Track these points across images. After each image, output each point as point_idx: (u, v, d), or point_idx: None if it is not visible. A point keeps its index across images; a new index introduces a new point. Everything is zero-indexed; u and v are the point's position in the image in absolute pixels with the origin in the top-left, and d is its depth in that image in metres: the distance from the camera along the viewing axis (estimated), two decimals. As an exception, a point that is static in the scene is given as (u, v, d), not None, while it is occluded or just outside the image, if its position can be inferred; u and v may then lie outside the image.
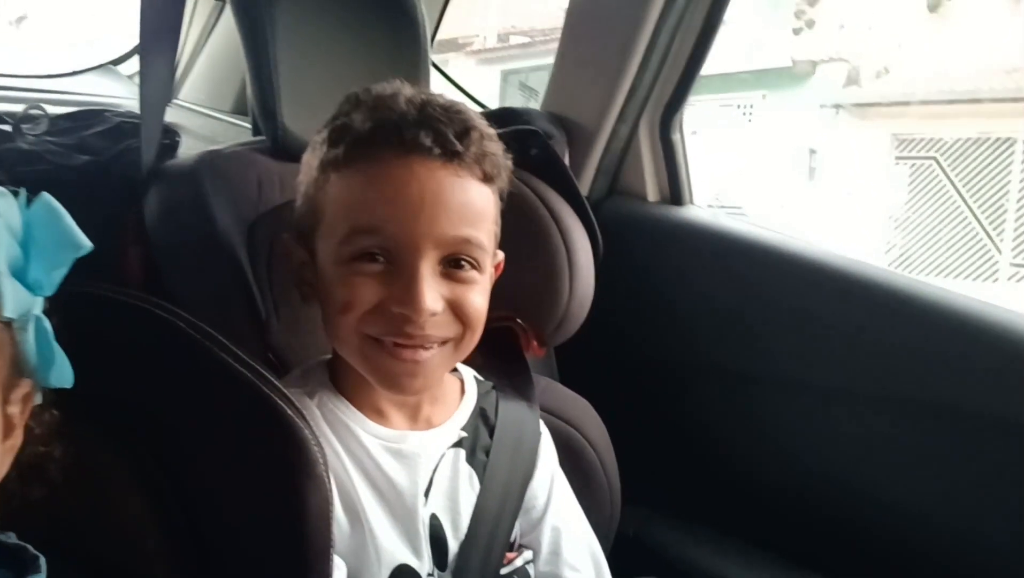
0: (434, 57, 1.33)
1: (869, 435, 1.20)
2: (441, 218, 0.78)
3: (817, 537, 1.24)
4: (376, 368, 0.81)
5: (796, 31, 4.75)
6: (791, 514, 1.27)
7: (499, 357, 1.06)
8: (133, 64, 1.85)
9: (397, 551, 0.82)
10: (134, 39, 1.75)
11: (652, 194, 1.44)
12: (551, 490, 0.97)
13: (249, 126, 1.58)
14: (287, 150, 0.99)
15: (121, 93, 1.68)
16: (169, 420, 0.70)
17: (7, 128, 0.95)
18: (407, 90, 0.82)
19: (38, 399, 0.61)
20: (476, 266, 0.82)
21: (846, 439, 1.23)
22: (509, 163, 0.86)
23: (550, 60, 1.46)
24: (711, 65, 1.37)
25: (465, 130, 0.80)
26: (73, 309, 0.69)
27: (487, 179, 0.82)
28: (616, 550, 1.06)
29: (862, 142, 4.60)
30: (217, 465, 0.68)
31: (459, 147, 0.79)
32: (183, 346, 0.70)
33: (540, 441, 0.98)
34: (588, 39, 1.38)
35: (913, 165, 4.59)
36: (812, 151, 4.76)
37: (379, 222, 0.78)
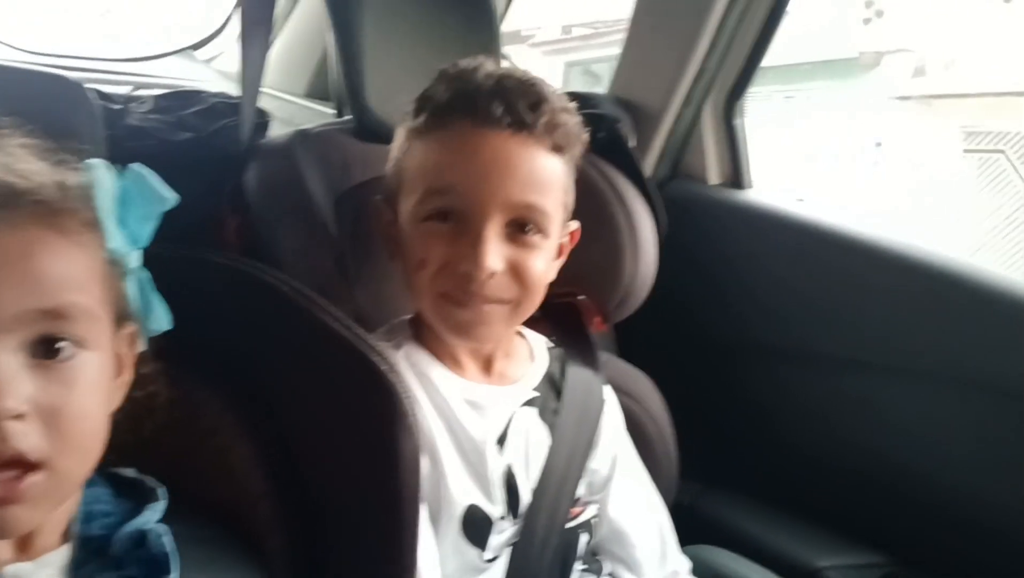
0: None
1: (925, 415, 1.23)
2: (508, 184, 0.84)
3: (869, 512, 1.27)
4: (445, 319, 0.88)
5: (866, 21, 4.65)
6: (843, 489, 1.30)
7: (565, 330, 1.11)
8: (205, 50, 1.93)
9: (468, 493, 0.88)
10: (209, 27, 1.85)
11: (714, 177, 1.47)
12: (616, 454, 1.03)
13: (323, 110, 1.66)
14: (371, 131, 1.06)
15: (199, 76, 1.76)
16: (272, 374, 0.76)
17: (117, 107, 1.03)
18: (488, 65, 0.88)
19: (143, 345, 0.67)
20: (540, 231, 0.87)
21: (902, 417, 1.25)
22: (585, 136, 0.91)
23: (613, 51, 1.50)
24: (775, 56, 1.39)
25: (537, 102, 0.85)
26: (181, 271, 0.77)
27: (556, 149, 0.87)
28: (673, 519, 1.10)
29: (929, 134, 4.50)
30: (317, 417, 0.74)
31: (529, 118, 0.84)
32: (284, 307, 0.76)
33: (605, 407, 1.03)
34: (656, 24, 1.41)
35: (981, 158, 4.47)
36: (877, 143, 4.66)
37: (450, 184, 0.85)
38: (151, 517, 0.63)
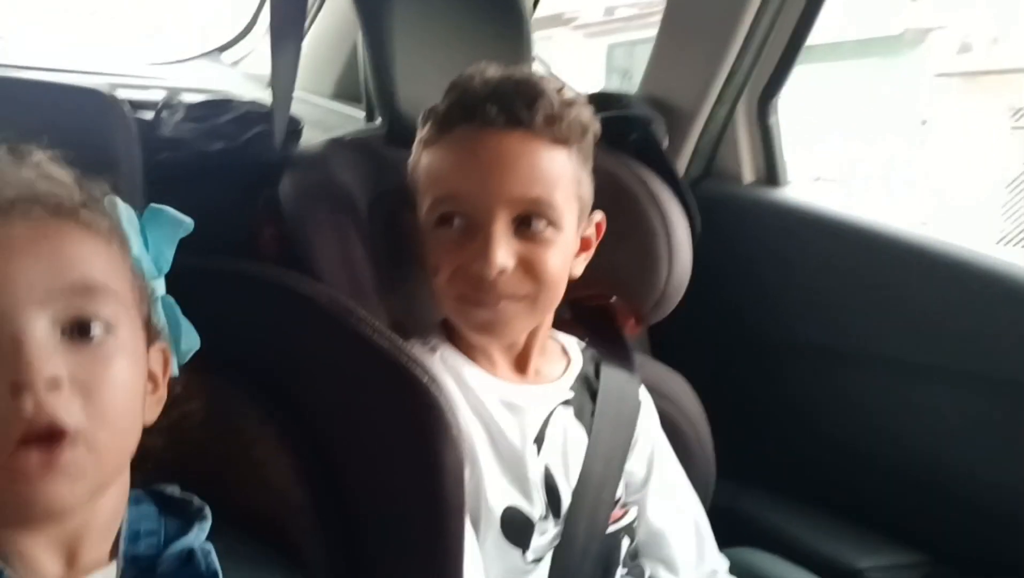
0: (539, 33, 1.37)
1: (964, 412, 1.21)
2: (509, 181, 0.85)
3: (910, 511, 1.26)
4: (466, 320, 0.91)
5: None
6: (883, 488, 1.29)
7: (599, 333, 1.11)
8: (232, 53, 1.93)
9: (506, 494, 0.89)
10: (235, 29, 1.86)
11: (748, 175, 1.46)
12: (653, 455, 1.03)
13: (352, 113, 1.66)
14: (402, 137, 1.05)
15: (228, 81, 1.77)
16: (311, 387, 0.76)
17: (150, 117, 1.03)
18: (490, 71, 0.89)
19: (175, 369, 0.68)
20: (551, 224, 0.87)
21: (938, 416, 1.24)
22: (596, 126, 0.92)
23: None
24: (817, 35, 1.36)
25: (533, 99, 0.86)
26: (217, 284, 0.77)
27: (559, 142, 0.88)
28: (711, 521, 1.10)
29: (975, 111, 4.41)
30: (358, 429, 0.74)
31: (525, 115, 0.86)
32: (322, 319, 0.77)
33: (641, 409, 1.03)
34: (688, 22, 1.40)
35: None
36: (923, 122, 4.58)
37: (454, 189, 0.87)
38: (198, 536, 0.64)
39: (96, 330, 0.56)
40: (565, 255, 0.91)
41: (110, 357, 0.57)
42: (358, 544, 0.73)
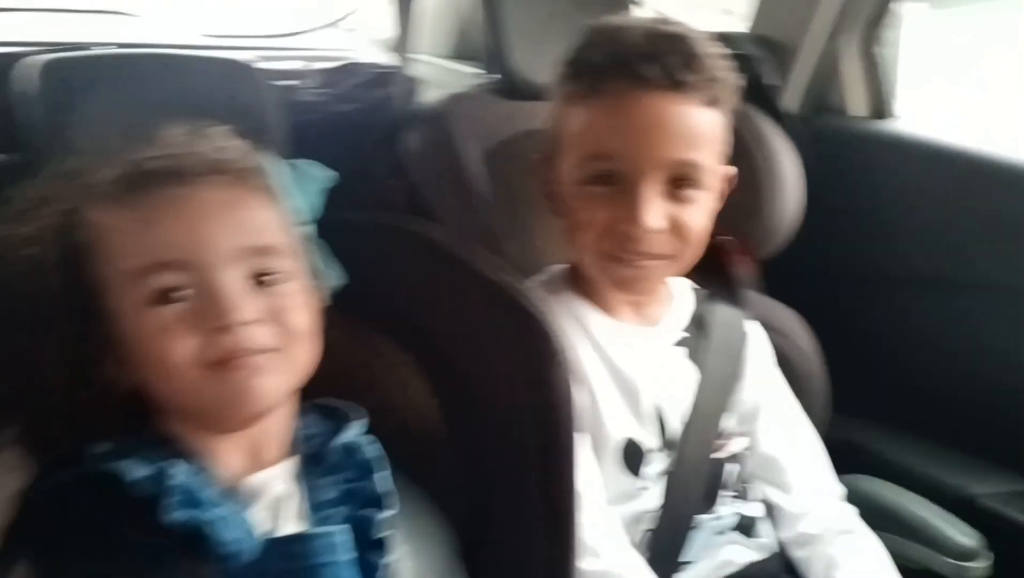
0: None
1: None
2: (666, 144, 0.86)
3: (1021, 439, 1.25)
4: (611, 275, 0.93)
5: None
6: (995, 417, 1.28)
7: (711, 271, 1.14)
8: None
9: (625, 426, 0.95)
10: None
11: (857, 109, 1.45)
12: (765, 387, 1.06)
13: (467, 70, 1.73)
14: (518, 90, 1.12)
15: (346, 45, 1.87)
16: (439, 320, 0.84)
17: (286, 84, 1.14)
18: (637, 22, 0.90)
19: (324, 300, 0.78)
20: (699, 186, 0.89)
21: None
22: (737, 83, 0.92)
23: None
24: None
25: (691, 58, 0.86)
26: (354, 233, 0.86)
27: (712, 103, 0.88)
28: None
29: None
30: (481, 355, 0.82)
31: (685, 76, 0.85)
32: (446, 260, 0.85)
33: (751, 344, 1.07)
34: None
35: None
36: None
37: (609, 149, 0.87)
38: (357, 431, 0.75)
39: (275, 278, 0.69)
40: (709, 214, 0.92)
41: (288, 295, 0.70)
42: (481, 457, 0.81)
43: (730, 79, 0.90)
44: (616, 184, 0.88)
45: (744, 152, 1.15)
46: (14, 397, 0.68)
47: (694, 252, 0.93)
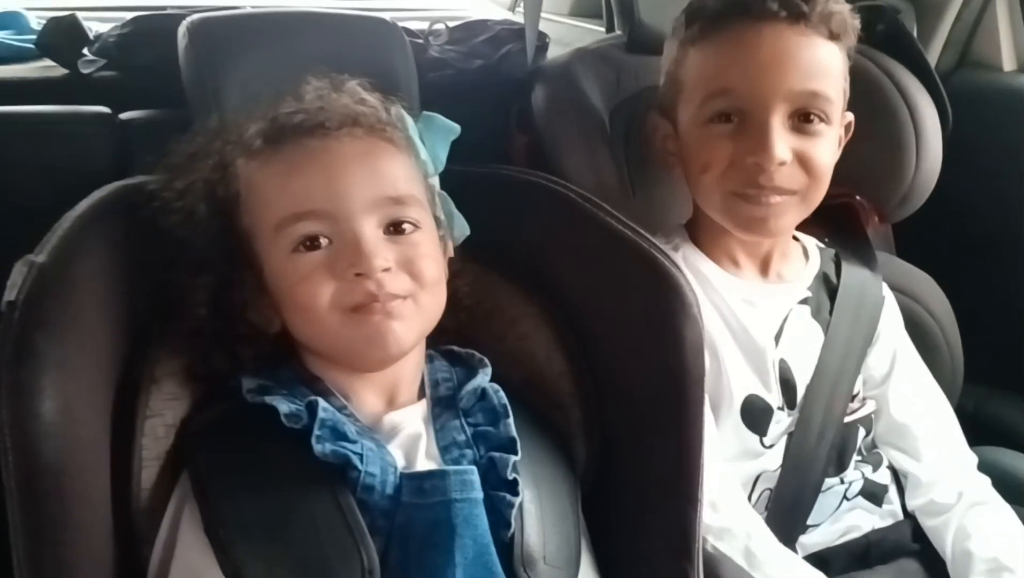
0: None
1: None
2: (789, 75, 0.87)
3: None
4: (735, 216, 0.92)
5: None
6: None
7: (841, 231, 1.12)
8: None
9: (747, 383, 0.94)
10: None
11: (1008, 63, 1.36)
12: (896, 352, 1.03)
13: (589, 27, 1.72)
14: (643, 44, 1.11)
15: (471, 5, 1.89)
16: (565, 271, 0.85)
17: (419, 41, 1.16)
18: None
19: (451, 251, 0.81)
20: (824, 119, 0.89)
21: None
22: (856, 22, 0.92)
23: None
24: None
25: None
26: (483, 185, 0.89)
27: (833, 37, 0.89)
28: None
29: None
30: (607, 309, 0.82)
31: (804, 8, 0.86)
32: (575, 212, 0.85)
33: (883, 306, 1.04)
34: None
35: None
36: None
37: (732, 84, 0.88)
38: (484, 378, 0.78)
39: (408, 228, 0.72)
40: (833, 149, 0.92)
41: (420, 244, 0.73)
42: (608, 411, 0.82)
43: (848, 18, 0.90)
44: (740, 120, 0.89)
45: (886, 107, 1.11)
46: (173, 334, 0.73)
47: (820, 190, 0.92)
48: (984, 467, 1.03)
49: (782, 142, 0.87)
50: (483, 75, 1.17)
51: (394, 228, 0.71)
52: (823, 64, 0.88)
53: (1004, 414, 1.29)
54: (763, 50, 0.87)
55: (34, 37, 1.16)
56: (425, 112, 0.82)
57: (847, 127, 0.96)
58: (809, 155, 0.89)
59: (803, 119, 0.88)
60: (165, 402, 0.71)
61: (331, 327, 0.69)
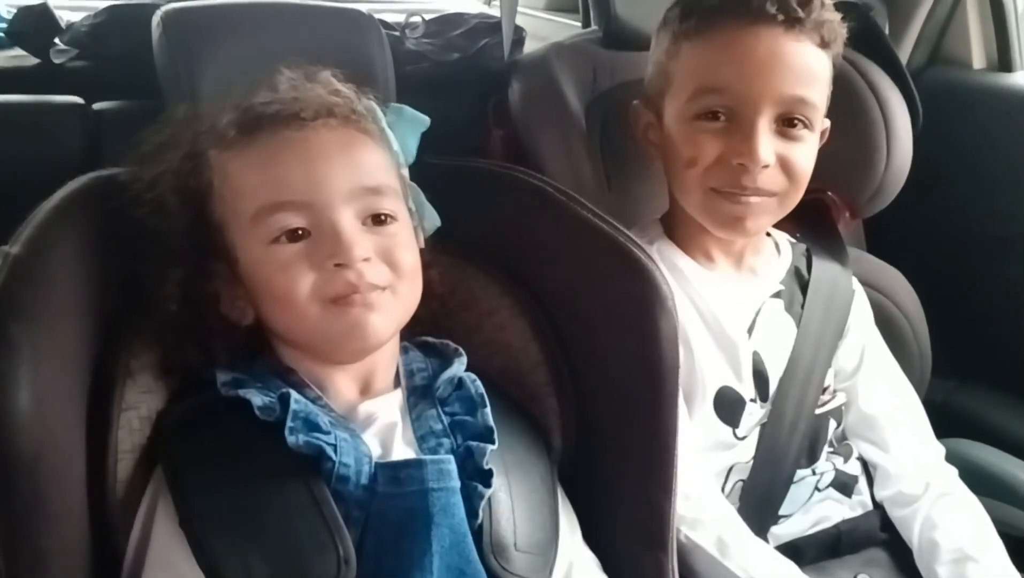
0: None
1: None
2: (781, 79, 0.87)
3: None
4: (714, 213, 0.93)
5: None
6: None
7: (812, 226, 1.13)
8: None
9: (720, 375, 0.95)
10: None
11: (978, 61, 1.38)
12: (865, 346, 1.05)
13: (565, 21, 1.73)
14: (618, 39, 1.11)
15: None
16: (541, 264, 0.86)
17: (396, 34, 1.16)
18: None
19: (421, 242, 0.80)
20: (807, 125, 0.90)
21: None
22: (844, 31, 0.92)
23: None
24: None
25: None
26: (456, 178, 0.89)
27: (824, 44, 0.90)
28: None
29: None
30: (582, 301, 0.83)
31: (800, 14, 0.87)
32: (549, 205, 0.85)
33: (853, 300, 1.05)
34: None
35: None
36: None
37: (723, 82, 0.89)
38: (460, 367, 0.78)
39: (385, 219, 0.72)
40: (813, 154, 0.93)
41: (397, 235, 0.73)
42: (584, 402, 0.82)
43: (839, 25, 0.91)
44: (728, 119, 0.89)
45: (857, 104, 1.12)
46: (146, 326, 0.73)
47: (798, 193, 0.93)
48: (951, 459, 1.05)
49: (767, 145, 0.88)
50: (460, 68, 1.17)
51: (372, 219, 0.72)
52: (812, 70, 0.89)
53: (971, 407, 1.32)
54: (758, 51, 0.88)
55: (4, 26, 1.14)
56: (393, 104, 0.82)
57: (822, 133, 0.97)
58: (791, 159, 0.90)
59: (787, 124, 0.89)
60: (140, 395, 0.71)
61: (309, 318, 0.69)
